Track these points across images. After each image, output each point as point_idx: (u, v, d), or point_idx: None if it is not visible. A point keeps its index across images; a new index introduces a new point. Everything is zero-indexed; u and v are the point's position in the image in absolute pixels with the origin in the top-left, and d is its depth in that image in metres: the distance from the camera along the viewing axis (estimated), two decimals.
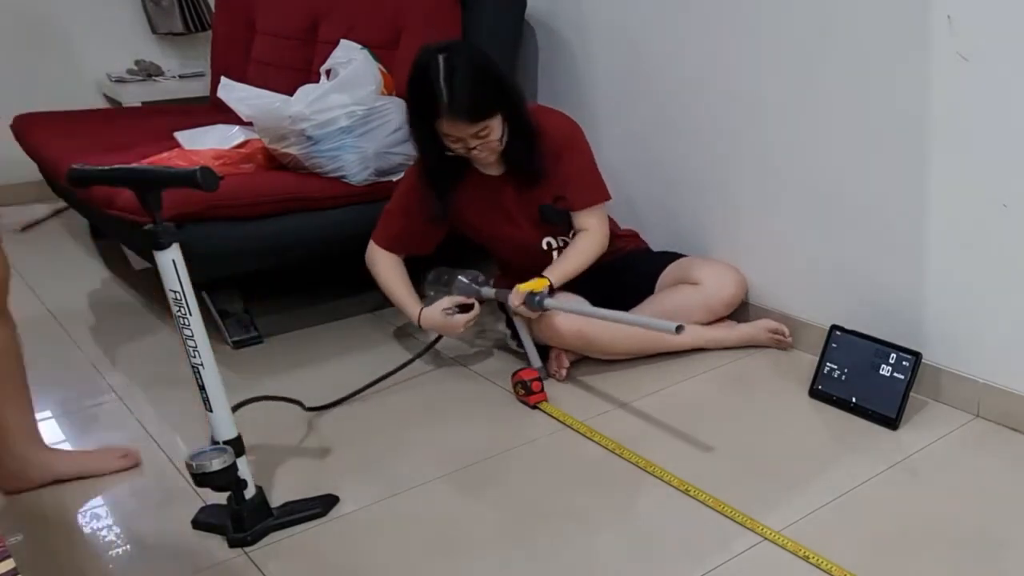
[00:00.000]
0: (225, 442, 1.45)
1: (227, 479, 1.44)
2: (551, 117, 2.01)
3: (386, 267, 2.07)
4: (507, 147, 1.91)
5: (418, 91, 1.81)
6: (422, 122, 1.86)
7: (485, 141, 1.84)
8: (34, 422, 1.65)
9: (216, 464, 1.41)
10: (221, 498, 1.47)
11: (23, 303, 2.61)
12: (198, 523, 1.52)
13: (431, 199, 2.00)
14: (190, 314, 1.39)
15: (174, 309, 1.40)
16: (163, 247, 1.35)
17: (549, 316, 1.92)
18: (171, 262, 1.36)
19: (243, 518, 1.47)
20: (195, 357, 1.42)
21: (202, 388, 1.44)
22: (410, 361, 2.03)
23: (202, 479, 1.42)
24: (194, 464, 1.41)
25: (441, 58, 1.77)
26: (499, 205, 2.02)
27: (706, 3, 2.05)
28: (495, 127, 1.83)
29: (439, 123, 1.81)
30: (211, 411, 1.44)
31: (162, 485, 1.64)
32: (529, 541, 1.44)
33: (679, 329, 1.64)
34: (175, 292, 1.38)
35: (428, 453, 1.71)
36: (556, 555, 1.40)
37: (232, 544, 1.46)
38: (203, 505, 1.55)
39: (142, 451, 1.74)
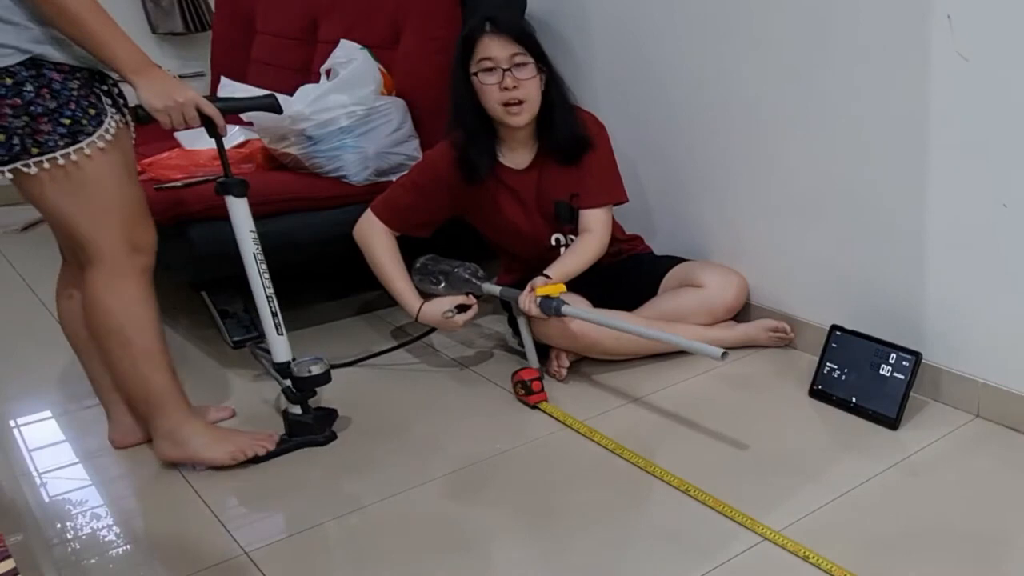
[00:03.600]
0: (281, 363, 1.72)
1: (325, 381, 1.73)
2: (579, 115, 2.02)
3: (384, 250, 2.04)
4: (542, 117, 1.94)
5: (463, 36, 1.89)
6: (464, 75, 1.90)
7: (518, 78, 1.86)
8: None
9: (316, 369, 1.71)
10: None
11: (23, 303, 2.63)
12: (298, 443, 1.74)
13: (449, 184, 2.00)
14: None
15: (253, 248, 1.67)
16: (241, 195, 1.66)
17: (559, 319, 1.90)
18: (247, 207, 1.67)
19: (323, 418, 1.77)
20: (269, 288, 1.70)
21: (275, 315, 1.71)
22: (412, 340, 2.12)
23: (302, 383, 1.70)
24: (296, 370, 1.69)
25: (488, 12, 1.89)
26: (518, 197, 2.03)
27: (707, 3, 2.05)
28: (531, 67, 1.87)
29: (478, 47, 1.87)
30: (282, 335, 1.71)
31: (163, 485, 1.64)
32: (528, 541, 1.44)
33: (724, 355, 1.62)
34: (253, 232, 1.67)
35: (428, 453, 1.71)
36: (556, 555, 1.40)
37: (328, 441, 1.75)
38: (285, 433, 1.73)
39: (142, 451, 1.75)
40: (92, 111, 1.45)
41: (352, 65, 2.24)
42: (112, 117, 1.49)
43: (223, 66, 3.01)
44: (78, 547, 1.47)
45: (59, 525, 1.53)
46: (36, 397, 2.04)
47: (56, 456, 1.77)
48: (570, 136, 1.98)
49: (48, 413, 1.94)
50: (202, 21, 3.77)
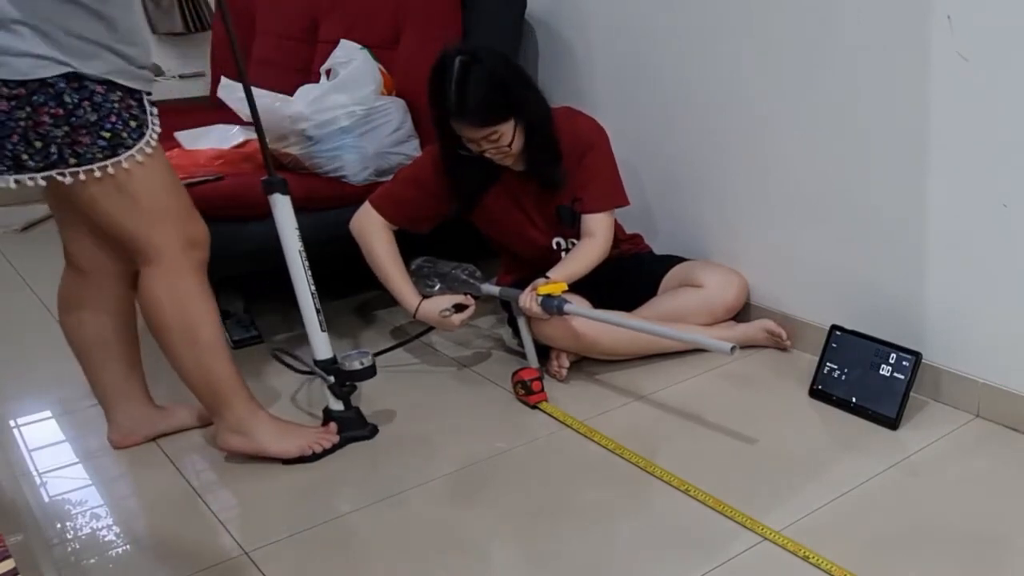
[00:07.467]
0: (326, 360, 1.72)
1: (371, 375, 1.74)
2: (578, 120, 2.01)
3: (382, 245, 2.02)
4: (525, 152, 1.92)
5: (434, 91, 1.83)
6: (440, 120, 1.87)
7: (496, 145, 1.85)
8: (143, 381, 1.77)
9: (366, 362, 1.72)
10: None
11: (23, 303, 2.63)
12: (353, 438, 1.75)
13: (449, 182, 2.00)
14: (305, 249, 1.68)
15: (298, 245, 1.66)
16: (286, 193, 1.64)
17: (560, 318, 1.90)
18: (290, 204, 1.65)
19: (360, 413, 1.78)
20: (312, 285, 1.70)
21: (318, 311, 1.71)
22: (409, 340, 2.11)
23: (349, 376, 1.72)
24: (344, 364, 1.71)
25: (458, 61, 1.78)
26: (519, 201, 2.03)
27: (707, 3, 2.05)
28: (506, 133, 1.84)
29: (452, 124, 1.84)
30: (324, 331, 1.72)
31: (163, 485, 1.64)
32: (528, 541, 1.44)
33: (733, 350, 1.64)
34: (297, 230, 1.66)
35: (428, 453, 1.71)
36: (555, 555, 1.40)
37: (372, 435, 1.77)
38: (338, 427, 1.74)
39: (142, 451, 1.75)
40: (133, 123, 1.42)
41: (352, 65, 2.24)
42: (154, 128, 1.46)
43: (223, 66, 3.01)
44: (78, 547, 1.47)
45: (59, 525, 1.53)
46: (36, 397, 2.04)
47: (56, 456, 1.77)
48: (547, 170, 1.96)
49: (48, 413, 1.94)
50: (202, 21, 3.77)
